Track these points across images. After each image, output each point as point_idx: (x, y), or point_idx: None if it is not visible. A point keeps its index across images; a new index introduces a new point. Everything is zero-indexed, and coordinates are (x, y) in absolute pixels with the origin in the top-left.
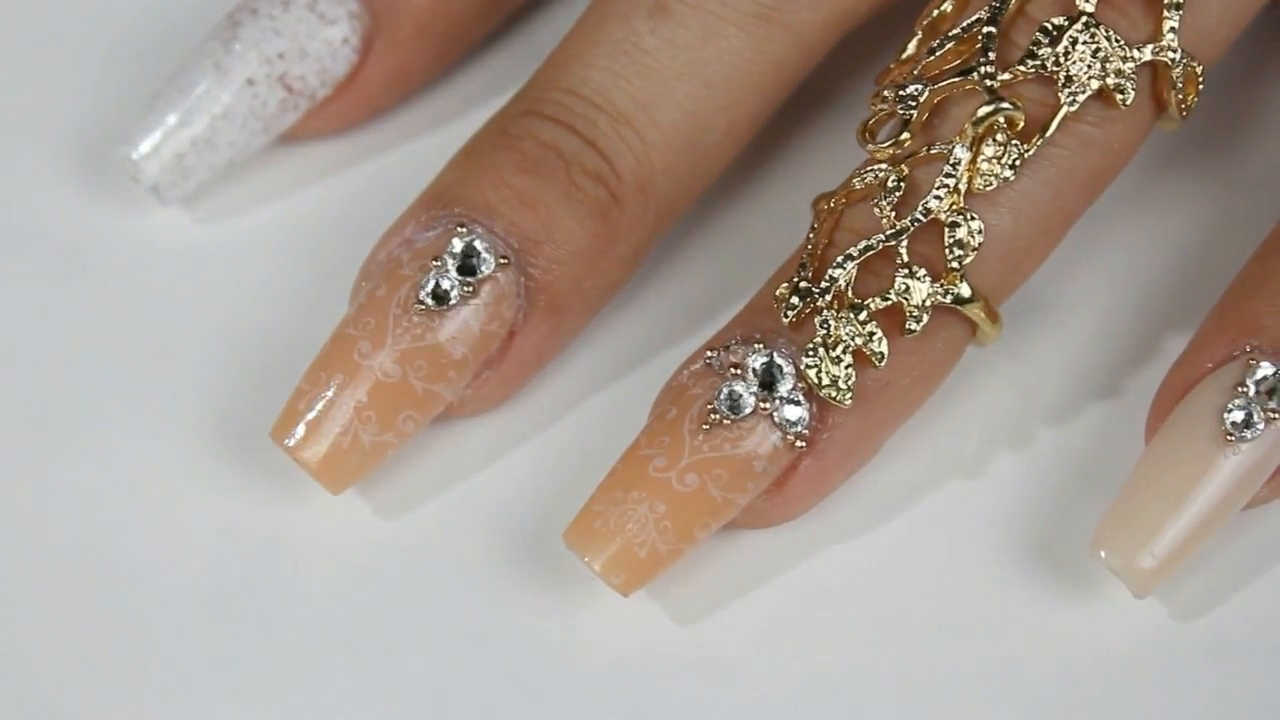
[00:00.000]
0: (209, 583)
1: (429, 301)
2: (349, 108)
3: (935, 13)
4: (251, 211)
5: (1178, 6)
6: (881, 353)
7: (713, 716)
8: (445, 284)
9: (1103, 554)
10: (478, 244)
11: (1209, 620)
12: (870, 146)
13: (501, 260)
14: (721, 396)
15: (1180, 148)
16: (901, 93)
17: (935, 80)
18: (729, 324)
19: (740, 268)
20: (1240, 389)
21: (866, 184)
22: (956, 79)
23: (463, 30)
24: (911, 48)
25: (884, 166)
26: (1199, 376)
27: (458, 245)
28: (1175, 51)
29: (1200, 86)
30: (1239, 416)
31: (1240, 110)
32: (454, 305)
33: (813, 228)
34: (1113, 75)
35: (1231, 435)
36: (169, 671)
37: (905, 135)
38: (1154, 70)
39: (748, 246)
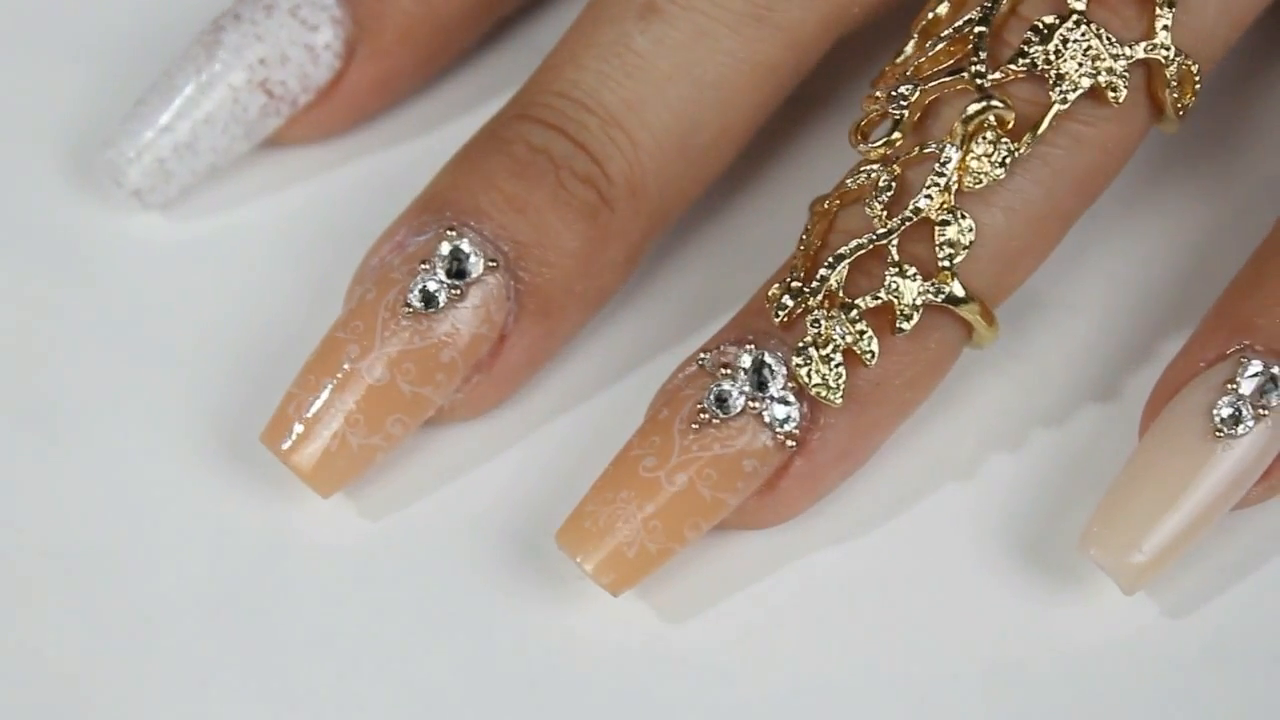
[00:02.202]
0: (200, 583)
1: (417, 304)
2: (333, 114)
3: (930, 15)
4: (240, 213)
5: (1170, 4)
6: (872, 351)
7: (701, 715)
8: (432, 286)
9: (1092, 551)
10: (465, 246)
11: (1200, 617)
12: (862, 147)
13: (490, 263)
14: (711, 396)
15: (1179, 150)
16: (893, 93)
17: (926, 80)
18: (724, 328)
19: (737, 271)
20: (1230, 385)
21: (859, 185)
22: (947, 78)
23: (450, 36)
24: (907, 51)
25: (876, 167)
26: (1192, 375)
27: (445, 248)
28: (1169, 50)
29: (1197, 86)
30: (1227, 412)
31: (1239, 113)
32: (442, 308)
33: (806, 229)
34: (1104, 73)
35: (1220, 431)
36: (164, 671)
37: (897, 135)
38: (1148, 70)
39: (744, 249)
